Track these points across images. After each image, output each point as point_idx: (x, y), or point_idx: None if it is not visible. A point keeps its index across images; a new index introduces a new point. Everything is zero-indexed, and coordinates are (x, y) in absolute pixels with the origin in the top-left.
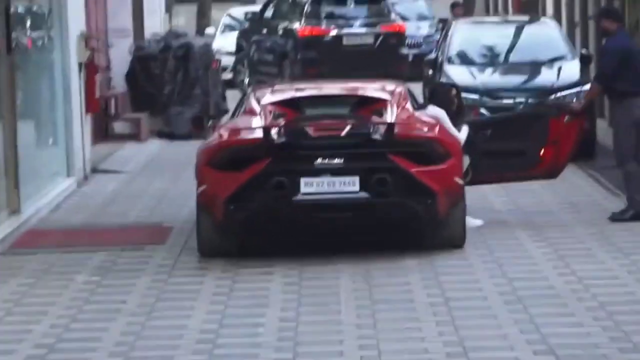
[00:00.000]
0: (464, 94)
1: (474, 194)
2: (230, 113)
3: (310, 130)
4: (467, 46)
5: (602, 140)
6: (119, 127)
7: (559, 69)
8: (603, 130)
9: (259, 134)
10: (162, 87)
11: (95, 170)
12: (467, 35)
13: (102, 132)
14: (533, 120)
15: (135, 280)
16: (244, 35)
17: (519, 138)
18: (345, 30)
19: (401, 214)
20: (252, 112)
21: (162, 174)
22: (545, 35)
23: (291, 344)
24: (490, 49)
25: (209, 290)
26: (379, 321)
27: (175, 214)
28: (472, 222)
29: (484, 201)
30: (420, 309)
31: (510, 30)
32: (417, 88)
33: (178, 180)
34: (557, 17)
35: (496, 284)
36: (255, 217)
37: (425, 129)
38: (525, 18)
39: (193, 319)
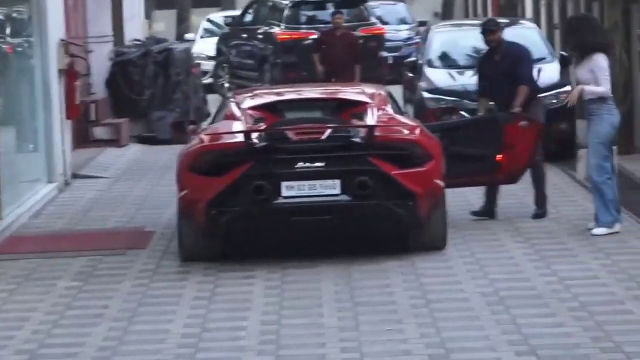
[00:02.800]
0: (445, 97)
1: (455, 196)
2: (210, 118)
3: (290, 134)
4: (447, 49)
5: (582, 141)
6: (99, 132)
7: (539, 71)
8: (583, 131)
9: (239, 138)
10: (143, 92)
11: (76, 176)
12: (446, 38)
13: (82, 138)
14: (488, 125)
15: (117, 285)
16: (223, 40)
17: (477, 143)
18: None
19: (382, 216)
20: (232, 117)
21: (143, 179)
22: (525, 37)
23: (273, 347)
24: (470, 51)
25: (190, 295)
26: (361, 323)
27: (157, 218)
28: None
29: (465, 202)
30: (402, 310)
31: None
32: (397, 91)
33: (159, 185)
34: (536, 19)
35: (478, 285)
36: (236, 221)
37: (406, 131)
38: (505, 20)
39: (175, 323)
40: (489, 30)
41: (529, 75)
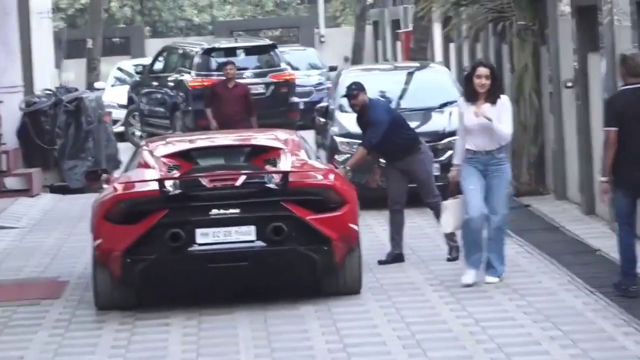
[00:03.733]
0: (356, 141)
1: (370, 240)
2: (124, 166)
3: (205, 181)
4: None
5: None
6: (11, 182)
7: (450, 114)
8: None
9: (154, 186)
10: (54, 142)
11: None
12: None
13: None
14: None
15: (32, 335)
16: (134, 88)
17: None
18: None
19: (298, 261)
20: (146, 165)
21: (56, 229)
22: (435, 80)
23: None
24: (382, 95)
25: (107, 344)
26: None
27: (71, 268)
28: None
29: (380, 245)
30: (320, 356)
31: (401, 76)
32: (309, 136)
33: (72, 234)
34: (445, 62)
35: (395, 329)
36: (152, 269)
37: (320, 176)
38: (416, 64)
39: None
40: (351, 95)
41: (370, 139)
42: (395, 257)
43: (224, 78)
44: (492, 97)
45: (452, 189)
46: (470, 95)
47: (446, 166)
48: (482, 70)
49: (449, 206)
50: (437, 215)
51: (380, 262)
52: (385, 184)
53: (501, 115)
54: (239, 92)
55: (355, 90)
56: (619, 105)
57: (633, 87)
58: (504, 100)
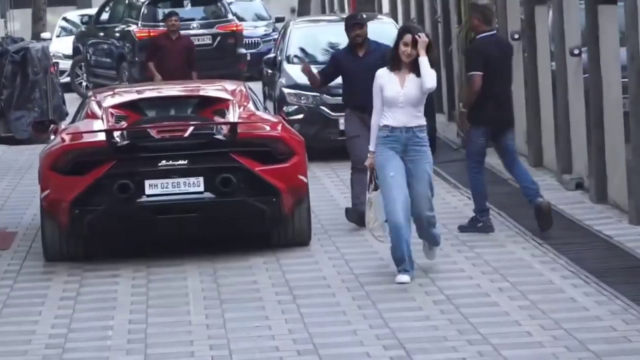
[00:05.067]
0: (305, 93)
1: (319, 191)
2: (70, 117)
3: (153, 132)
4: (306, 45)
5: (442, 135)
6: None
7: None
8: (443, 125)
9: (101, 137)
10: (1, 92)
11: None
12: (305, 34)
13: None
14: None
15: None
16: (80, 39)
17: None
18: (183, 32)
19: (247, 213)
20: (93, 116)
21: (3, 180)
22: (383, 32)
23: (142, 345)
24: (329, 47)
25: (56, 295)
26: (229, 321)
27: (19, 219)
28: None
29: (328, 198)
30: (269, 307)
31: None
32: (256, 87)
33: (19, 185)
34: (393, 14)
35: (344, 280)
36: (100, 220)
37: (268, 127)
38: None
39: (41, 324)
40: (359, 24)
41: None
42: (359, 217)
43: (166, 30)
44: (416, 67)
45: (372, 179)
46: (395, 64)
47: None
48: (409, 38)
49: (374, 200)
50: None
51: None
52: (348, 141)
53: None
54: (183, 44)
55: (362, 20)
56: (482, 52)
57: (489, 34)
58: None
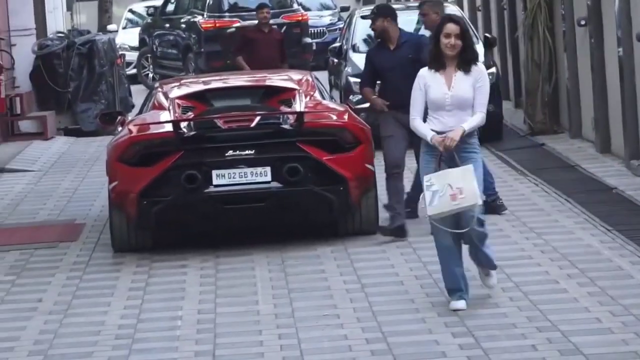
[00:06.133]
0: None
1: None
2: (137, 108)
3: (220, 123)
4: (372, 33)
5: (508, 122)
6: (25, 125)
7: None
8: (509, 112)
9: (168, 128)
10: (68, 85)
11: (2, 170)
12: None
13: (8, 132)
14: None
15: (50, 278)
16: (146, 31)
17: None
18: (248, 22)
19: (314, 202)
20: (160, 107)
21: (71, 172)
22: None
23: (210, 335)
24: None
25: (124, 286)
26: (297, 310)
27: (87, 210)
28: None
29: None
30: (337, 296)
31: (414, 16)
32: (322, 77)
33: (87, 177)
34: (458, 2)
35: (412, 269)
36: (168, 211)
37: (334, 116)
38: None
39: (110, 314)
40: (374, 16)
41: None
42: (397, 230)
43: (255, 22)
44: (464, 63)
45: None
46: (437, 60)
47: None
48: (451, 27)
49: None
50: None
51: (381, 230)
52: (382, 142)
53: (476, 90)
54: (275, 36)
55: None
56: None
57: None
58: (481, 68)
